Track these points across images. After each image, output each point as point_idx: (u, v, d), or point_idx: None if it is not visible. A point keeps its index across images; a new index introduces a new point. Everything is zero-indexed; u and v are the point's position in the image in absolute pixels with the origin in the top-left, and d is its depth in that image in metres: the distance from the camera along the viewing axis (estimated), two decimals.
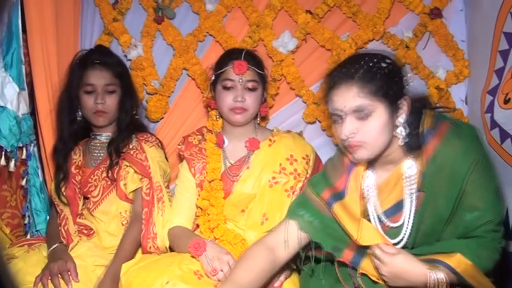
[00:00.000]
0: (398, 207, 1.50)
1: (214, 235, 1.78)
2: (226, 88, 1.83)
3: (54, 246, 1.83)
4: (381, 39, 2.25)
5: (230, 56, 1.89)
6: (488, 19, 1.93)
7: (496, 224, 1.44)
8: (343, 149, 1.50)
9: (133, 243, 1.83)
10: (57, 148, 2.00)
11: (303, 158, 1.85)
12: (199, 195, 1.84)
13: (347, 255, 1.49)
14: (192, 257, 1.65)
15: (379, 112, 1.40)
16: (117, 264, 1.72)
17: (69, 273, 1.70)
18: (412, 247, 1.50)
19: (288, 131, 1.99)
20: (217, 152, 1.87)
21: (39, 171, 2.14)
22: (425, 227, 1.47)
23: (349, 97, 1.40)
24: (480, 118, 1.97)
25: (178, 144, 1.97)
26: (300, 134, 2.14)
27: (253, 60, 1.88)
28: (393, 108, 1.42)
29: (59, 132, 2.00)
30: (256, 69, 1.85)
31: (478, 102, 2.01)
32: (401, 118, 1.44)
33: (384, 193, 1.52)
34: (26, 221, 2.09)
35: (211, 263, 1.59)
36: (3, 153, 1.94)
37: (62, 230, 1.89)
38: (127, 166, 1.92)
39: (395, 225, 1.49)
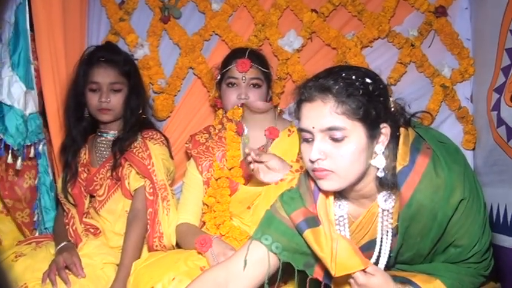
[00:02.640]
0: (371, 244, 1.36)
1: (220, 232, 1.78)
2: (230, 85, 1.88)
3: (62, 244, 1.82)
4: (386, 38, 2.26)
5: (234, 55, 1.93)
6: (494, 17, 1.94)
7: (483, 253, 1.35)
8: (310, 173, 1.30)
9: (138, 242, 1.82)
10: (65, 146, 1.99)
11: None
12: (206, 192, 1.86)
13: (319, 272, 1.34)
14: (199, 253, 1.66)
15: (357, 135, 1.20)
16: (126, 266, 1.72)
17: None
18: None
19: None
20: (237, 140, 1.89)
21: (49, 170, 2.15)
22: (403, 259, 1.38)
23: (323, 113, 1.19)
24: (486, 116, 1.97)
25: (186, 143, 1.99)
26: None
27: (257, 58, 1.92)
28: (373, 133, 1.22)
29: (67, 130, 2.00)
30: (259, 67, 1.90)
31: (483, 100, 2.01)
32: (382, 145, 1.24)
33: (357, 229, 1.37)
34: (35, 219, 2.11)
35: (217, 259, 1.60)
36: (10, 151, 1.95)
37: (70, 229, 1.89)
38: (128, 165, 1.90)
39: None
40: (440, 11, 2.22)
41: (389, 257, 1.35)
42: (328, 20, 2.28)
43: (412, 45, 2.23)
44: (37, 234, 2.10)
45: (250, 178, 1.81)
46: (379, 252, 1.34)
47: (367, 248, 1.36)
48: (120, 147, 1.91)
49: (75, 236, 1.87)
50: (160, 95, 2.34)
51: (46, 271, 1.71)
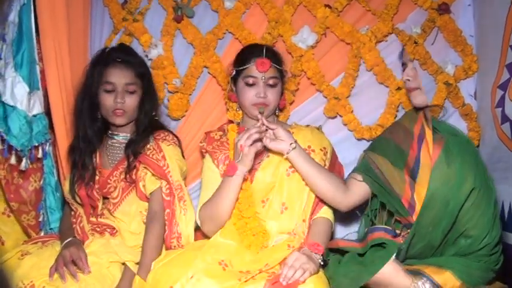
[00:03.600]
0: None
1: (242, 215, 1.79)
2: (248, 84, 1.88)
3: (69, 239, 1.84)
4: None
5: (252, 52, 1.92)
6: (498, 14, 1.95)
7: (492, 247, 1.46)
8: None
9: (157, 243, 1.84)
10: (74, 147, 1.96)
11: (321, 150, 1.89)
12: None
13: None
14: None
15: None
16: (145, 265, 1.74)
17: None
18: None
19: (307, 126, 2.03)
20: None
21: (54, 170, 2.14)
22: (413, 252, 1.52)
23: None
24: (490, 112, 1.98)
25: (201, 142, 2.01)
26: (319, 128, 2.14)
27: (274, 56, 1.93)
28: None
29: (80, 131, 1.95)
30: (277, 66, 1.91)
31: (487, 97, 2.02)
32: None
33: None
34: (41, 219, 2.11)
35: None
36: (14, 152, 1.96)
37: (77, 227, 1.90)
38: (143, 167, 1.91)
39: None
40: (444, 8, 2.23)
41: (400, 249, 1.42)
42: (342, 15, 2.27)
43: (415, 42, 2.21)
44: (42, 234, 2.10)
45: (251, 181, 1.84)
46: None
47: None
48: (134, 149, 1.91)
49: (82, 234, 1.89)
50: (175, 95, 2.32)
51: (53, 265, 1.72)
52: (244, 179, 1.79)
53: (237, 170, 1.75)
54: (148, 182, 1.89)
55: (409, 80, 1.73)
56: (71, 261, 1.71)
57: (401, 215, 1.67)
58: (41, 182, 2.10)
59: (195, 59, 2.32)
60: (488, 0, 2.09)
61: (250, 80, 1.88)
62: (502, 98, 1.90)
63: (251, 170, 1.84)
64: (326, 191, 1.75)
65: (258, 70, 1.87)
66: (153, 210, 1.88)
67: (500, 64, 1.94)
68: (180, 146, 2.02)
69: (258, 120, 1.82)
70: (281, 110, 2.08)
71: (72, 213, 1.98)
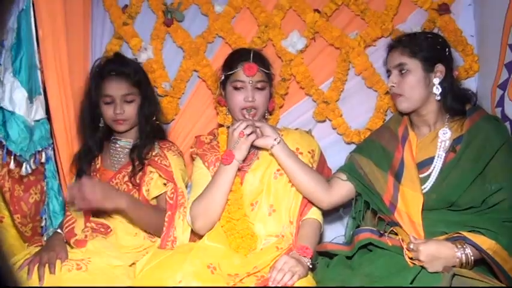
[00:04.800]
0: (428, 162, 1.72)
1: (231, 217, 1.81)
2: (236, 89, 1.90)
3: (54, 230, 1.88)
4: (390, 36, 2.24)
5: (240, 57, 1.94)
6: (498, 14, 1.93)
7: None
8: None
9: (157, 219, 1.88)
10: (81, 155, 2.03)
11: (309, 152, 1.92)
12: None
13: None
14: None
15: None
16: (137, 204, 1.86)
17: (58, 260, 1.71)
18: (429, 208, 1.65)
19: (296, 129, 2.07)
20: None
21: (56, 174, 2.15)
22: (447, 183, 1.65)
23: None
24: (491, 113, 1.96)
25: (191, 147, 2.04)
26: (309, 132, 2.15)
27: (261, 61, 1.94)
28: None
29: (83, 139, 2.05)
30: (264, 70, 1.92)
31: (488, 97, 2.01)
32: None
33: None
34: (43, 224, 2.11)
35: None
36: (13, 157, 1.95)
37: (68, 226, 1.90)
38: (151, 172, 1.96)
39: (421, 175, 1.72)
40: (444, 8, 2.20)
41: (437, 177, 1.67)
42: (331, 19, 2.27)
43: None
44: (45, 239, 2.07)
45: (241, 183, 1.87)
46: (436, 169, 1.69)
47: (425, 165, 1.71)
48: (139, 154, 1.97)
49: (69, 232, 1.87)
50: (164, 98, 2.35)
51: (28, 258, 1.73)
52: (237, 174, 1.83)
53: (234, 159, 1.79)
54: (153, 188, 1.95)
55: (393, 86, 1.76)
56: (45, 264, 1.71)
57: (383, 213, 1.73)
58: (42, 195, 2.11)
59: (184, 63, 2.34)
60: (488, 1, 2.07)
61: (238, 84, 1.89)
62: (502, 97, 1.88)
63: (241, 172, 1.86)
64: (307, 186, 1.79)
65: (246, 74, 1.88)
66: (162, 208, 1.94)
67: (499, 64, 1.92)
68: (182, 157, 2.08)
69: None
70: (270, 113, 2.08)
71: (66, 216, 1.98)
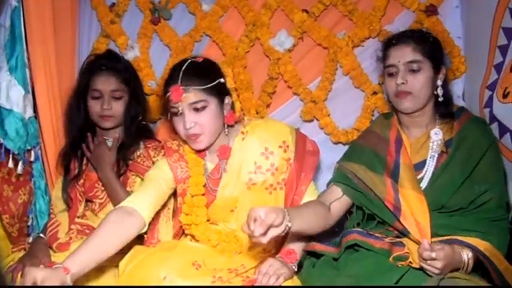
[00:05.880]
0: (421, 165, 1.70)
1: (193, 233, 1.73)
2: (175, 114, 1.67)
3: (37, 235, 1.88)
4: (378, 37, 2.25)
5: (169, 79, 1.69)
6: (485, 15, 1.93)
7: (504, 202, 1.61)
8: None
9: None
10: (67, 152, 2.02)
11: (280, 147, 1.73)
12: (180, 206, 1.77)
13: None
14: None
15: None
16: (114, 181, 1.89)
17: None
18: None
19: (262, 117, 1.94)
20: (200, 164, 1.76)
21: (43, 174, 2.14)
22: (438, 185, 1.64)
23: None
24: (479, 113, 1.97)
25: (164, 155, 1.83)
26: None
27: (194, 76, 1.65)
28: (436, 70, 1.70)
29: (69, 136, 2.03)
30: (200, 87, 1.64)
31: (476, 98, 2.01)
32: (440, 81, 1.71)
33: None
34: (30, 223, 2.10)
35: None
36: (11, 155, 1.95)
37: (51, 230, 1.89)
38: (134, 175, 1.95)
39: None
40: (431, 10, 2.21)
41: (430, 178, 1.65)
42: (319, 19, 2.27)
43: None
44: (30, 239, 2.03)
45: (214, 199, 1.75)
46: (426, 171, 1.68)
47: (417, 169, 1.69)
48: (124, 154, 1.95)
49: (52, 237, 1.87)
50: (151, 97, 2.33)
51: (12, 265, 1.74)
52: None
53: None
54: (136, 189, 1.90)
55: (403, 83, 1.68)
56: None
57: (388, 223, 1.65)
58: (30, 196, 2.09)
59: (171, 61, 2.33)
60: (475, 2, 2.07)
61: (174, 111, 1.65)
62: (490, 98, 1.87)
63: (210, 193, 1.75)
64: (317, 230, 1.65)
65: (172, 100, 1.64)
66: None
67: (488, 65, 1.91)
68: None
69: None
70: (231, 126, 1.77)
71: (50, 219, 1.97)
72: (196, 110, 1.63)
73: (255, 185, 1.71)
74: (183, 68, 1.65)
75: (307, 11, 2.26)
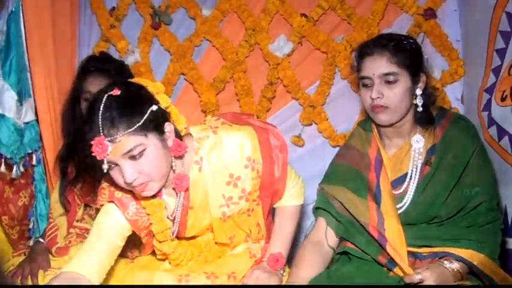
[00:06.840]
0: (404, 178, 1.61)
1: (163, 250, 1.54)
2: (109, 169, 1.33)
3: (36, 240, 1.87)
4: None
5: (87, 129, 1.31)
6: (483, 19, 1.94)
7: (495, 204, 1.54)
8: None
9: None
10: (62, 155, 2.00)
11: (246, 167, 1.47)
12: (148, 236, 1.54)
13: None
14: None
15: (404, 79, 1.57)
16: None
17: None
18: (410, 223, 1.56)
19: (212, 129, 1.50)
20: (161, 207, 1.47)
21: (45, 177, 2.15)
22: (426, 197, 1.55)
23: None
24: (477, 116, 1.98)
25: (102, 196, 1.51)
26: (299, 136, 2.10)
27: (118, 117, 1.29)
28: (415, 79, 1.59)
29: (65, 139, 2.01)
30: (128, 131, 1.29)
31: (474, 101, 2.02)
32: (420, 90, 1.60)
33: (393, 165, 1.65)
34: (31, 226, 2.10)
35: None
36: (3, 160, 1.94)
37: (50, 234, 1.89)
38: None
39: (397, 192, 1.61)
40: (429, 14, 2.22)
41: (414, 192, 1.56)
42: (318, 24, 2.29)
43: None
44: (31, 243, 2.06)
45: (184, 232, 1.55)
46: (412, 184, 1.59)
47: (400, 182, 1.61)
48: None
49: (51, 241, 1.87)
50: None
51: (13, 270, 1.76)
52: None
53: None
54: None
55: (379, 97, 1.56)
56: (27, 276, 1.73)
57: (372, 255, 1.55)
58: (31, 199, 2.09)
59: (171, 66, 2.34)
60: (473, 5, 2.08)
61: (105, 166, 1.31)
62: (489, 101, 1.88)
63: (181, 226, 1.53)
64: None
65: (98, 158, 1.29)
66: None
67: (486, 68, 1.92)
68: None
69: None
70: (179, 157, 1.43)
71: (49, 223, 1.97)
72: (133, 157, 1.31)
73: (230, 217, 1.51)
74: (101, 111, 1.29)
75: (306, 16, 2.27)
